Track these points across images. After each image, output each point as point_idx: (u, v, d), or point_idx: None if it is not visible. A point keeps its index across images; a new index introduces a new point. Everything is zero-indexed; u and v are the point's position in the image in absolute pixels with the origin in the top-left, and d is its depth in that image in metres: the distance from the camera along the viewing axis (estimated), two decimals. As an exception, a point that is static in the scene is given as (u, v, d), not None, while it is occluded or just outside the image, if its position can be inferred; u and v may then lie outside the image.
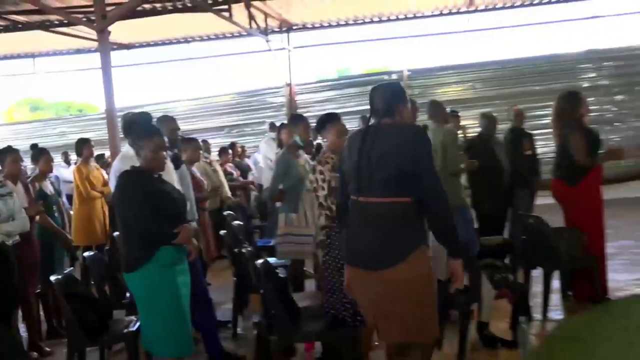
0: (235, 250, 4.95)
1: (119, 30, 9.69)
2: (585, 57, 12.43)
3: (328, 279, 3.61)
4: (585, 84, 11.83)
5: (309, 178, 4.19)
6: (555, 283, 4.97)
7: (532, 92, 11.95)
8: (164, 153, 3.41)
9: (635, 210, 8.96)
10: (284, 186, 5.04)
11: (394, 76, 12.95)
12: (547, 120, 11.25)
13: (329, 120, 4.18)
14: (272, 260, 5.78)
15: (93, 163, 7.04)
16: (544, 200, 5.25)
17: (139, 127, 3.51)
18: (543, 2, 11.94)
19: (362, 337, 3.62)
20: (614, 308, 3.88)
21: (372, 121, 2.93)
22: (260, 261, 3.75)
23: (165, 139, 3.44)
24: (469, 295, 4.06)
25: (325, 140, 4.17)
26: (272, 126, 9.68)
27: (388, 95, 2.91)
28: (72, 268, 5.05)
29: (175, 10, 10.28)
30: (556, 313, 4.89)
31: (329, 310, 3.61)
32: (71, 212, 6.62)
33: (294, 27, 12.95)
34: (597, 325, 3.88)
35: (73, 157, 9.88)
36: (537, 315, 4.76)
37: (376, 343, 4.08)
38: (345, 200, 3.03)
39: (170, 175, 3.88)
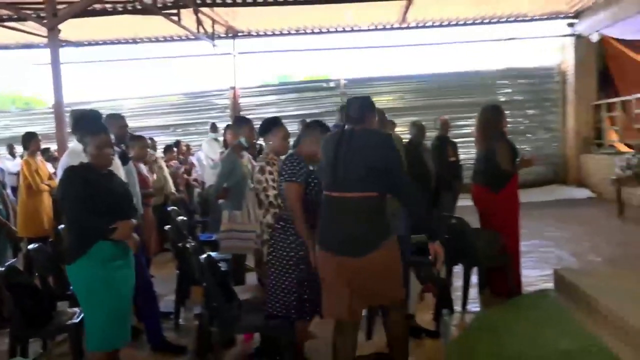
0: (179, 244, 4.82)
1: (70, 28, 9.30)
2: (503, 74, 12.82)
3: (271, 278, 3.53)
4: (502, 98, 12.22)
5: (258, 178, 4.10)
6: (474, 279, 5.09)
7: (456, 104, 12.24)
8: (111, 150, 3.26)
9: (543, 212, 9.33)
10: (228, 184, 4.94)
11: (332, 84, 12.98)
12: (469, 130, 11.61)
13: (275, 124, 4.13)
14: (214, 254, 5.70)
15: (39, 157, 6.71)
16: (464, 202, 5.35)
17: (86, 123, 3.34)
18: (467, 22, 12.26)
19: (300, 327, 3.57)
20: (523, 302, 4.01)
21: (346, 126, 3.22)
22: (203, 255, 3.64)
23: (112, 136, 3.31)
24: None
25: (270, 142, 4.11)
26: (214, 127, 9.51)
27: (362, 106, 3.22)
28: (15, 259, 4.79)
29: (126, 11, 9.96)
30: (474, 306, 5.00)
31: (269, 310, 3.52)
32: (16, 204, 6.30)
33: (240, 34, 12.78)
34: (508, 318, 4.00)
35: (18, 149, 9.41)
36: (457, 307, 4.84)
37: (312, 331, 4.06)
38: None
39: (118, 171, 3.74)
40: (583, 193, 11.16)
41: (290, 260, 3.43)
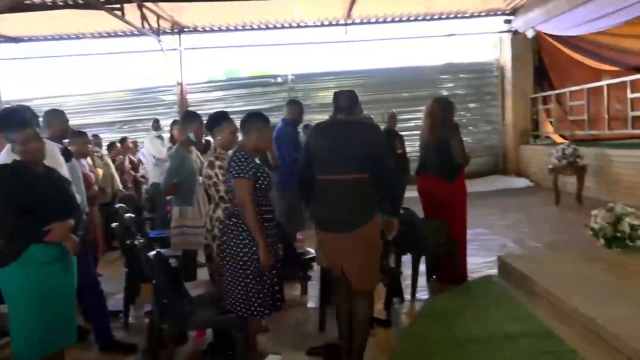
0: (128, 242, 4.64)
1: (10, 23, 8.86)
2: (445, 69, 13.03)
3: (226, 275, 3.43)
4: (445, 93, 12.40)
5: (207, 173, 3.99)
6: (422, 267, 5.13)
7: (400, 99, 12.40)
8: (39, 143, 3.06)
9: (485, 201, 9.55)
10: (178, 180, 4.81)
11: (279, 80, 12.89)
12: (413, 124, 11.78)
13: (223, 118, 4.02)
14: (164, 251, 5.53)
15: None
16: (411, 194, 5.38)
17: (10, 120, 3.15)
18: (410, 19, 12.39)
19: (253, 322, 3.50)
20: (469, 288, 4.08)
21: (338, 117, 3.53)
22: (152, 252, 3.51)
23: (52, 132, 3.13)
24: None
25: (218, 137, 4.00)
26: (156, 124, 9.19)
27: (349, 98, 3.55)
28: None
29: (67, 6, 9.55)
30: (423, 294, 5.04)
31: (228, 307, 3.43)
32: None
33: (186, 29, 12.51)
34: (457, 304, 4.06)
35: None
36: (407, 296, 4.86)
37: (264, 324, 3.99)
38: (307, 178, 3.53)
39: (61, 168, 3.55)
40: (522, 182, 11.48)
41: (244, 256, 3.34)
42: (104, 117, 12.80)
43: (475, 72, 12.99)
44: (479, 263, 5.88)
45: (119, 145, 9.33)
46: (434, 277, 5.31)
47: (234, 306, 3.40)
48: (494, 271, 5.42)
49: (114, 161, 8.91)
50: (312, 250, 4.79)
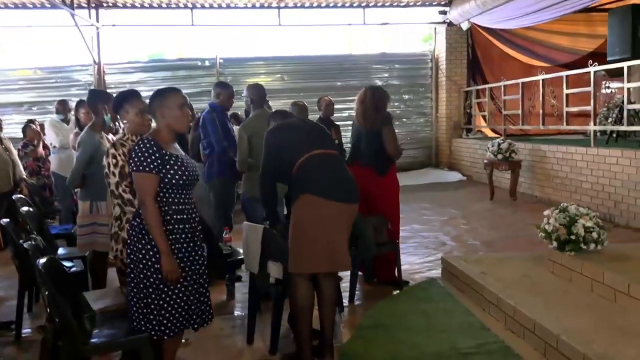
0: (21, 241, 3.91)
1: None
2: (379, 59, 12.75)
3: (131, 286, 2.83)
4: (379, 83, 12.06)
5: (108, 162, 3.38)
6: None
7: (334, 87, 11.93)
8: None
9: (418, 195, 9.29)
10: (90, 170, 4.13)
11: (207, 63, 12.13)
12: (347, 113, 11.39)
13: (127, 99, 3.41)
14: (68, 250, 4.82)
15: None
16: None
17: None
18: (345, 5, 11.98)
19: (168, 344, 2.93)
20: (412, 293, 3.61)
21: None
22: (42, 260, 2.85)
23: None
24: (283, 286, 3.57)
25: (125, 120, 3.38)
26: (61, 106, 7.79)
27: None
28: None
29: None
30: (361, 297, 4.62)
31: (133, 325, 2.83)
32: None
33: (104, 4, 11.50)
34: (400, 311, 3.55)
35: None
36: (345, 301, 4.41)
37: (184, 341, 3.44)
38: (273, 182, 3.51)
39: None
40: (455, 176, 11.35)
41: (148, 264, 2.76)
42: (10, 97, 11.59)
43: (410, 62, 12.75)
44: (419, 262, 5.56)
45: (34, 126, 8.27)
46: (375, 279, 4.90)
47: (139, 324, 2.82)
48: (435, 272, 5.10)
49: (27, 145, 7.96)
50: (240, 250, 4.26)
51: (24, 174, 7.27)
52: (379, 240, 4.60)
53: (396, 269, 4.81)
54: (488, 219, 7.48)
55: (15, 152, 7.11)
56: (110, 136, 4.38)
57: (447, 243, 6.32)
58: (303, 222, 3.30)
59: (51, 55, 12.51)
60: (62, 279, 3.01)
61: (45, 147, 8.35)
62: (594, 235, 3.89)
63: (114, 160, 3.31)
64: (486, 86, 11.28)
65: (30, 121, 8.69)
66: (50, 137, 7.42)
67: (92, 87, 11.40)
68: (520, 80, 9.63)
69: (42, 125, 9.11)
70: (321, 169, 3.32)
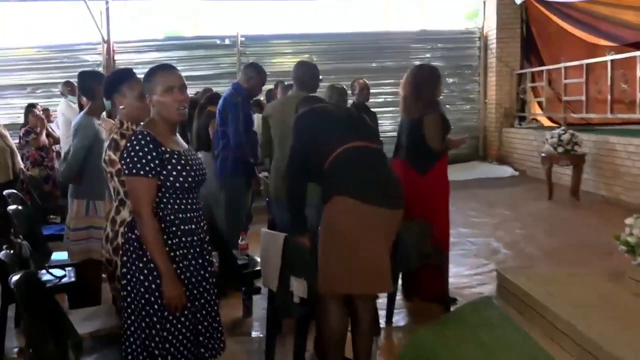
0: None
1: None
2: (418, 37, 12.29)
3: (127, 310, 2.51)
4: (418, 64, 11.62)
5: (110, 157, 3.02)
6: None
7: (367, 69, 11.50)
8: None
9: (465, 193, 8.81)
10: (88, 164, 3.82)
11: (227, 41, 11.83)
12: (382, 99, 10.99)
13: (124, 80, 3.07)
14: (59, 258, 4.50)
15: None
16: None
17: None
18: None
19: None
20: (463, 315, 3.14)
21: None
22: (16, 276, 2.53)
23: None
24: (309, 307, 3.21)
25: (121, 106, 3.05)
26: (71, 86, 7.67)
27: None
28: None
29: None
30: (401, 317, 4.25)
31: (128, 354, 2.51)
32: None
33: (114, -24, 11.30)
34: (449, 338, 3.05)
35: None
36: (381, 321, 4.04)
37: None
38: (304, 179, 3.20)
39: None
40: (506, 171, 10.86)
41: (155, 292, 2.43)
42: (11, 79, 11.47)
43: (454, 41, 12.28)
44: (469, 275, 5.17)
45: (37, 111, 8.05)
46: (416, 296, 4.52)
47: (137, 358, 2.49)
48: (488, 287, 4.70)
49: (29, 133, 7.75)
50: (258, 259, 3.93)
51: (21, 164, 7.09)
52: (423, 249, 4.22)
53: (444, 284, 4.43)
54: (547, 223, 7.02)
55: (10, 139, 6.92)
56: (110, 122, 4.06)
57: (500, 251, 5.90)
58: (335, 232, 2.98)
59: (56, 33, 12.36)
60: (40, 298, 2.70)
61: (48, 134, 8.14)
62: (690, 250, 3.44)
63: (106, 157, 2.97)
64: (543, 68, 10.80)
65: (32, 105, 8.45)
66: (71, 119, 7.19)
67: (100, 68, 11.21)
68: (584, 62, 9.12)
69: (45, 110, 8.92)
70: (360, 165, 3.01)
